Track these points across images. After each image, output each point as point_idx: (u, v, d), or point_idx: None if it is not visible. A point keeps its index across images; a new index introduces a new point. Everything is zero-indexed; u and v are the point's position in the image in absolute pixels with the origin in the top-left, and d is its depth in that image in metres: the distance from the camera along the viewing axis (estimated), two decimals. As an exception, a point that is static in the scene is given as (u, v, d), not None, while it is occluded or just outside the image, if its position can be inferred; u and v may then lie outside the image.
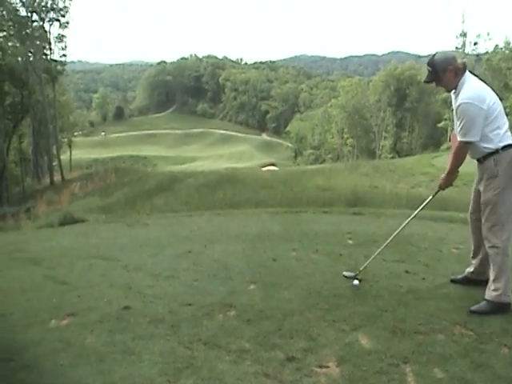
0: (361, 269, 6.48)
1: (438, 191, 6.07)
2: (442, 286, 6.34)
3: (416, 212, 6.49)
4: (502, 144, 5.44)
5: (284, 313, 5.40)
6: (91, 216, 17.72)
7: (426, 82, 5.92)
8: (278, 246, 8.66)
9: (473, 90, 5.50)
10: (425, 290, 6.20)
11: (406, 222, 6.53)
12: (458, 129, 5.51)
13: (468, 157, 5.66)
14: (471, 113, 5.40)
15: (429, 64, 5.71)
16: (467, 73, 5.62)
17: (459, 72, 5.57)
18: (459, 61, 5.66)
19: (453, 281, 6.41)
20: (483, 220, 5.66)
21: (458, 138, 5.52)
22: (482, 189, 5.67)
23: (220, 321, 5.24)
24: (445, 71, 5.57)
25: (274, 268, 7.21)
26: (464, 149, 5.56)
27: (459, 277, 6.38)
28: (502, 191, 5.45)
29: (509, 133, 5.51)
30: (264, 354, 4.49)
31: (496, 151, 5.44)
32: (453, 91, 5.71)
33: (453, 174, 5.82)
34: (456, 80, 5.61)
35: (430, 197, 6.21)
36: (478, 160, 5.69)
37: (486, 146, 5.47)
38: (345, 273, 6.51)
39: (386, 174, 37.87)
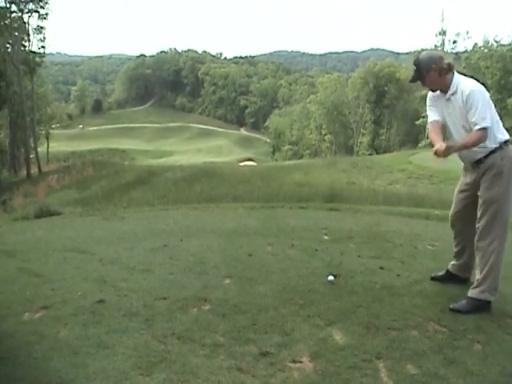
0: None
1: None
2: (416, 283, 6.37)
3: None
4: (504, 139, 5.46)
5: (259, 308, 5.40)
6: (67, 209, 17.63)
7: (411, 81, 5.92)
8: (254, 240, 8.65)
9: (471, 81, 5.55)
10: (399, 286, 6.22)
11: None
12: (474, 117, 5.31)
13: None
14: (484, 97, 5.39)
15: (414, 63, 5.73)
16: (456, 73, 5.62)
17: (443, 72, 5.54)
18: (445, 61, 5.62)
19: (433, 278, 6.44)
20: (481, 218, 5.60)
21: (478, 126, 5.30)
22: (484, 186, 5.56)
23: (194, 315, 5.23)
24: (428, 70, 5.55)
25: (249, 263, 7.19)
26: (485, 135, 5.36)
27: (439, 274, 6.41)
28: (507, 188, 5.47)
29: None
30: (238, 348, 4.48)
31: (500, 147, 5.43)
32: (443, 96, 5.69)
33: (455, 150, 5.66)
34: (440, 80, 5.60)
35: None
36: (477, 161, 5.61)
37: (489, 141, 5.41)
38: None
39: (364, 171, 37.99)
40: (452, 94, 5.57)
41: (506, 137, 5.46)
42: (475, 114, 5.31)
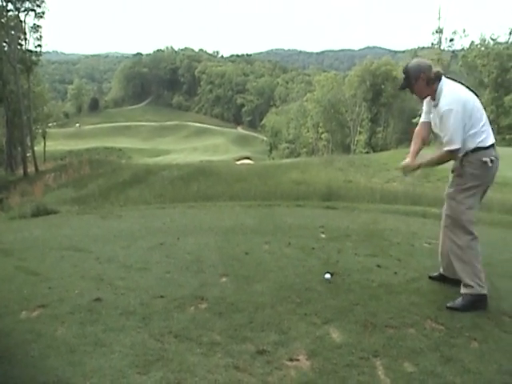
0: None
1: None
2: (413, 281, 6.38)
3: None
4: (472, 147, 5.56)
5: (255, 306, 5.40)
6: (64, 207, 17.64)
7: (400, 88, 5.96)
8: (250, 239, 8.65)
9: (451, 95, 5.55)
10: (396, 284, 6.23)
11: None
12: (445, 138, 5.51)
13: None
14: (457, 117, 5.44)
15: (403, 71, 5.81)
16: (443, 79, 5.67)
17: (430, 81, 5.63)
18: (434, 69, 5.67)
19: (430, 277, 6.45)
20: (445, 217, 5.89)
21: (446, 148, 5.52)
22: (448, 185, 5.88)
23: (191, 313, 5.23)
24: (417, 79, 5.65)
25: (246, 261, 7.20)
26: (447, 157, 5.64)
27: (435, 274, 6.41)
28: (465, 189, 5.67)
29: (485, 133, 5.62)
30: (235, 346, 4.49)
31: (466, 153, 5.59)
32: (432, 102, 5.76)
33: (423, 166, 5.93)
34: (428, 89, 5.69)
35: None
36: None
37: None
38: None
39: (361, 169, 37.98)
40: (434, 106, 5.70)
41: (475, 145, 5.54)
42: (446, 135, 5.49)
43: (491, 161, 5.52)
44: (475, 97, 5.72)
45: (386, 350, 4.47)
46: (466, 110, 5.48)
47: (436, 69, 5.73)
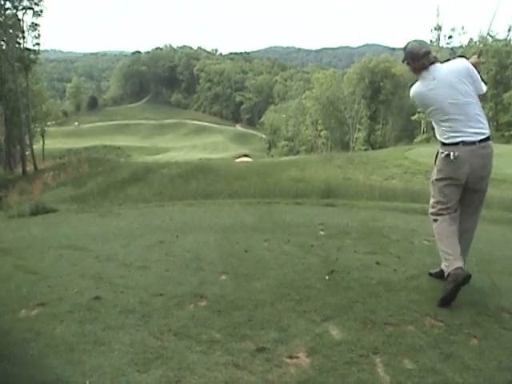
0: None
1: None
2: (413, 278, 6.38)
3: None
4: (439, 140, 5.97)
5: (255, 303, 5.39)
6: (63, 206, 17.60)
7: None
8: (250, 236, 8.64)
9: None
10: (396, 281, 6.23)
11: None
12: (480, 84, 5.84)
13: None
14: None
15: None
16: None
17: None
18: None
19: (430, 274, 6.46)
20: None
21: (484, 89, 5.89)
22: None
23: (191, 311, 5.22)
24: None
25: (245, 259, 7.19)
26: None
27: (436, 270, 6.41)
28: (433, 177, 6.09)
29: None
30: (234, 344, 4.48)
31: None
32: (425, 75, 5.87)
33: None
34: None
35: None
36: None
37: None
38: None
39: (360, 166, 37.97)
40: (437, 69, 5.95)
41: (441, 139, 5.85)
42: (475, 80, 5.86)
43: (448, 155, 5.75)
44: None
45: (386, 348, 4.47)
46: None
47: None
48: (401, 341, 4.59)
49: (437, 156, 5.91)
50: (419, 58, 5.77)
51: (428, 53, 5.77)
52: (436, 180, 5.92)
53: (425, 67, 5.78)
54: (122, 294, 5.69)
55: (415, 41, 6.03)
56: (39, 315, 5.17)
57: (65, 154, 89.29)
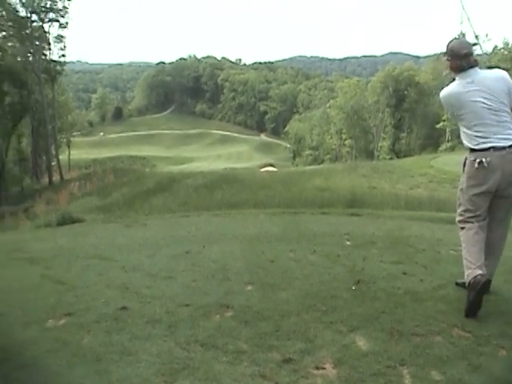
0: None
1: None
2: (440, 288, 6.32)
3: None
4: (467, 146, 5.90)
5: (281, 314, 5.38)
6: (89, 216, 17.72)
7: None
8: (275, 246, 8.62)
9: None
10: (423, 291, 6.18)
11: None
12: None
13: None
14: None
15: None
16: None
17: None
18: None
19: (457, 284, 6.41)
20: None
21: None
22: None
23: (217, 321, 5.23)
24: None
25: (271, 269, 7.18)
26: None
27: (462, 280, 6.36)
28: (463, 186, 5.98)
29: None
30: (261, 355, 4.47)
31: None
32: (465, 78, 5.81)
33: None
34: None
35: None
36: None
37: None
38: None
39: (385, 175, 37.80)
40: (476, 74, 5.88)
41: (470, 145, 5.75)
42: None
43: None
44: None
45: (413, 359, 4.43)
46: None
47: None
48: (428, 352, 4.55)
49: (465, 163, 5.82)
50: (459, 58, 5.70)
51: (469, 54, 5.71)
52: (466, 188, 5.83)
53: (463, 68, 5.71)
54: (149, 305, 5.71)
55: (459, 40, 6.03)
56: (66, 325, 5.20)
57: (90, 164, 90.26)
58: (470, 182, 5.77)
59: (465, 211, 5.87)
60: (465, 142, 5.82)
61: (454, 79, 5.91)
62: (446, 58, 5.90)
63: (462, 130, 5.81)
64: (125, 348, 4.60)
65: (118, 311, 5.49)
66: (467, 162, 5.77)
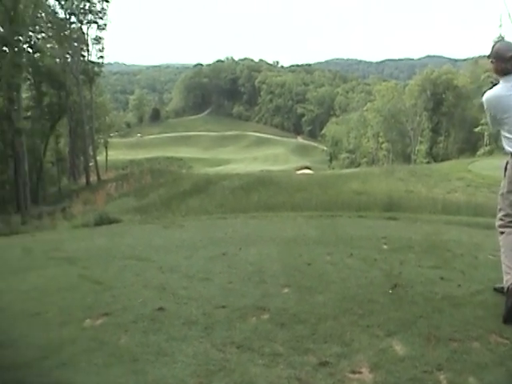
0: None
1: None
2: (478, 293, 6.25)
3: None
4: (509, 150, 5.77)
5: (318, 317, 5.36)
6: (126, 216, 17.87)
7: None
8: (312, 249, 8.60)
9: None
10: (460, 296, 6.12)
11: None
12: None
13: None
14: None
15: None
16: None
17: None
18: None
19: (495, 289, 6.34)
20: None
21: None
22: None
23: (253, 324, 5.23)
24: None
25: (308, 272, 7.16)
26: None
27: (500, 286, 6.30)
28: (505, 191, 5.90)
29: None
30: (297, 358, 4.46)
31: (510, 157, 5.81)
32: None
33: None
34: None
35: None
36: None
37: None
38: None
39: (422, 179, 37.53)
40: None
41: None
42: None
43: None
44: None
45: (450, 364, 4.39)
46: None
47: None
48: (465, 357, 4.50)
49: (506, 168, 5.74)
50: (504, 61, 5.57)
51: None
52: (507, 192, 5.76)
53: (508, 72, 5.57)
54: (185, 306, 5.73)
55: (505, 42, 5.97)
56: (103, 325, 5.25)
57: (127, 165, 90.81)
58: (511, 186, 5.70)
59: (505, 216, 5.81)
60: (506, 146, 5.70)
61: (493, 83, 5.86)
62: (490, 60, 5.77)
63: (504, 134, 5.68)
64: (161, 349, 4.62)
65: (155, 312, 5.52)
66: (508, 166, 5.68)
